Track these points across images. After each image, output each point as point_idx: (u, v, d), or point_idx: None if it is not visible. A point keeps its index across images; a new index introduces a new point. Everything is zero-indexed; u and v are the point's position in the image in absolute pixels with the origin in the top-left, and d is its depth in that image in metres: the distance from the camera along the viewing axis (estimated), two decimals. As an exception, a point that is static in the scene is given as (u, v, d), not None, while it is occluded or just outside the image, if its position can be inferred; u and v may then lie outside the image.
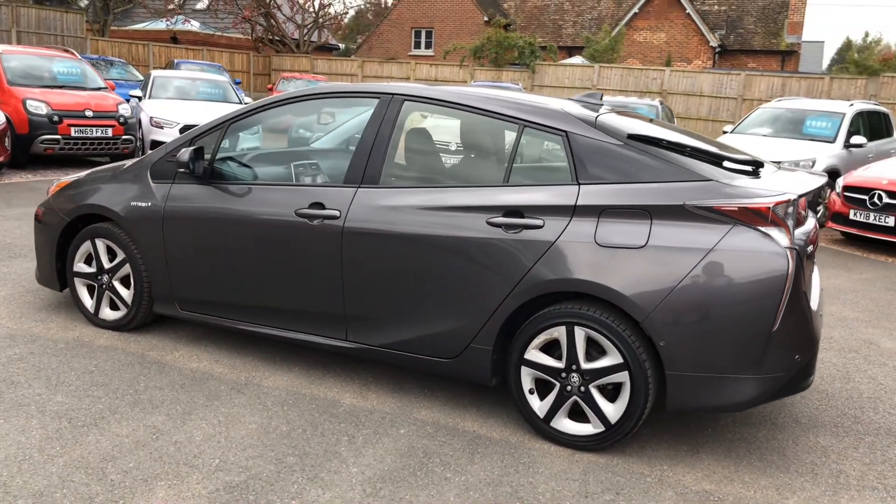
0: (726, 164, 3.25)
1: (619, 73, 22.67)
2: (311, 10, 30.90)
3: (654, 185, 3.15)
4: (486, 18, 33.73)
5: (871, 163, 10.13)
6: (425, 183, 3.66)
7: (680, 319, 3.03)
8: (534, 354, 3.35)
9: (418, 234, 3.49)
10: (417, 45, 36.13)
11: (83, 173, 4.66)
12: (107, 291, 4.43)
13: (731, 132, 11.88)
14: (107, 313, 4.48)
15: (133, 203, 4.23)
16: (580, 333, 3.22)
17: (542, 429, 3.39)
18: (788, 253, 2.99)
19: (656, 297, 3.04)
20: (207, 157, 4.04)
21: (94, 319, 4.51)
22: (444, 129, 4.51)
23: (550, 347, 3.34)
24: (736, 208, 3.02)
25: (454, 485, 3.00)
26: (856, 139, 10.68)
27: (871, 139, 11.26)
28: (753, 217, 3.01)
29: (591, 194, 3.22)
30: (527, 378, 3.39)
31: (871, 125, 11.61)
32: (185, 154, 3.91)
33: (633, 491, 3.02)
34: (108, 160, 12.01)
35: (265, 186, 3.94)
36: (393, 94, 3.77)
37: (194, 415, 3.46)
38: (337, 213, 3.66)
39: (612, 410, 3.23)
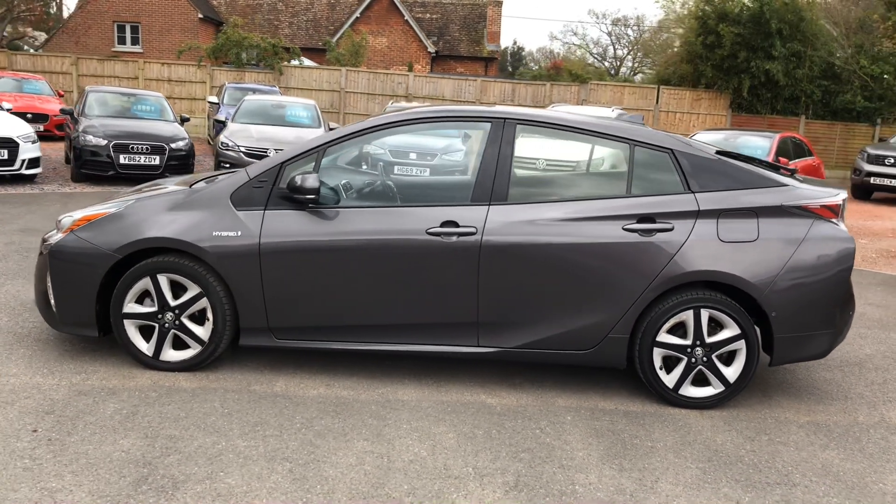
0: (782, 171, 4.25)
1: (367, 77, 23.52)
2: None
3: (753, 191, 4.02)
4: (200, 16, 32.33)
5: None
6: (553, 198, 4.10)
7: (786, 294, 3.95)
8: (664, 336, 4.02)
9: (558, 244, 3.94)
10: (122, 41, 33.18)
11: (120, 203, 4.17)
12: (173, 330, 4.09)
13: None
14: (171, 354, 4.13)
15: (216, 233, 3.99)
16: (705, 314, 3.97)
17: (671, 397, 4.08)
18: (851, 236, 4.06)
19: (769, 278, 3.92)
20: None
21: (152, 363, 4.12)
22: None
23: (674, 328, 4.04)
24: (819, 206, 4.01)
25: (664, 450, 3.57)
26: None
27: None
28: (828, 212, 4.04)
29: (709, 200, 3.99)
30: (658, 357, 4.05)
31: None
32: (310, 180, 3.85)
33: (771, 430, 3.87)
34: None
35: (381, 209, 4.04)
36: (505, 118, 4.13)
37: (387, 436, 3.54)
38: (473, 229, 3.94)
39: (731, 372, 4.05)
